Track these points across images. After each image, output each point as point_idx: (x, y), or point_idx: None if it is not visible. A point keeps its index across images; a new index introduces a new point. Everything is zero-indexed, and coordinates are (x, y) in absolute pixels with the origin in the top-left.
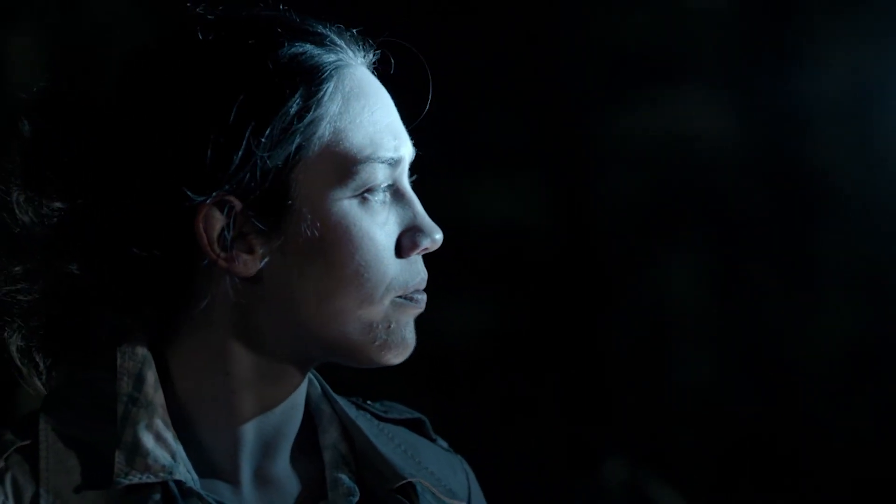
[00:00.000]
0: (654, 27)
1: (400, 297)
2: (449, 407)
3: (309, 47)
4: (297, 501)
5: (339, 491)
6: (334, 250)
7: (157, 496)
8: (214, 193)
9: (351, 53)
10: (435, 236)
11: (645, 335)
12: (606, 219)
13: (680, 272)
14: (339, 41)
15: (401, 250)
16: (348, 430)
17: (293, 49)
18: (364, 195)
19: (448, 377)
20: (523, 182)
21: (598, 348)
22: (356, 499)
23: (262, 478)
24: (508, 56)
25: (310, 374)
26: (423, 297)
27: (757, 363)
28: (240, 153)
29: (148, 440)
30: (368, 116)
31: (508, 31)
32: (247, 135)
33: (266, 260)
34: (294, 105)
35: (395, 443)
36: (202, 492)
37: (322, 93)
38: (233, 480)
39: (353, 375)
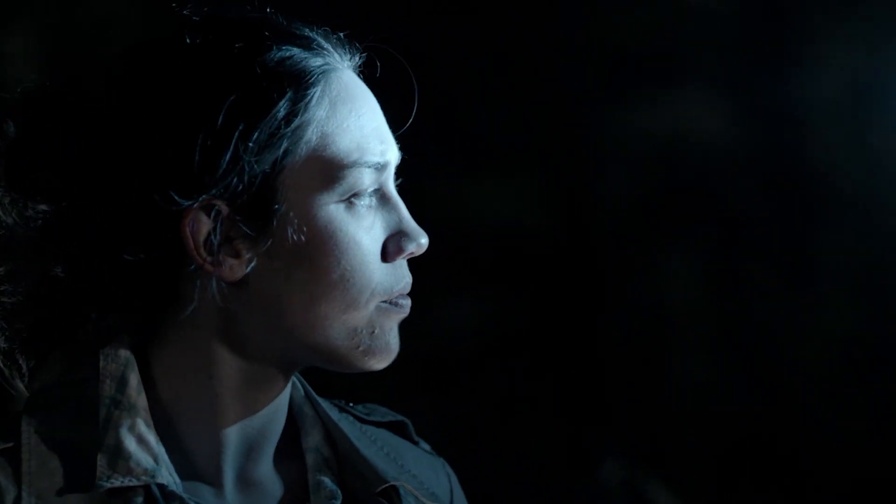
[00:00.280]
0: (654, 27)
1: (384, 302)
2: (448, 406)
3: (296, 51)
4: None
5: (321, 494)
6: (320, 255)
7: (140, 499)
8: (201, 197)
9: (338, 57)
10: (420, 241)
11: (644, 335)
12: (606, 218)
13: (679, 272)
14: (325, 44)
15: (386, 255)
16: (331, 432)
17: (280, 53)
18: (350, 200)
19: (447, 376)
20: (523, 182)
21: (597, 348)
22: (338, 502)
23: (245, 481)
24: (508, 56)
25: (293, 377)
26: (408, 302)
27: (756, 363)
28: (227, 157)
29: (130, 443)
30: (355, 121)
31: (508, 30)
32: (234, 139)
33: (252, 264)
34: (282, 110)
35: (378, 445)
36: (184, 495)
37: (309, 97)
38: (215, 483)
39: (349, 375)
